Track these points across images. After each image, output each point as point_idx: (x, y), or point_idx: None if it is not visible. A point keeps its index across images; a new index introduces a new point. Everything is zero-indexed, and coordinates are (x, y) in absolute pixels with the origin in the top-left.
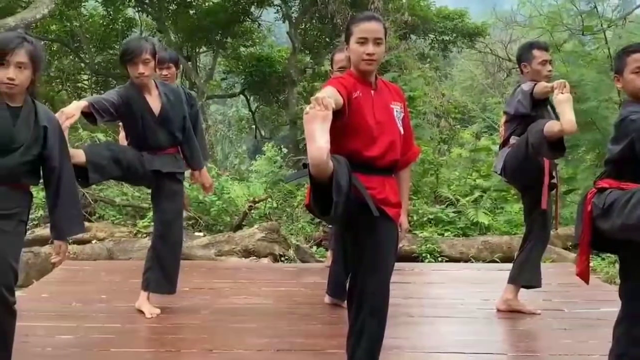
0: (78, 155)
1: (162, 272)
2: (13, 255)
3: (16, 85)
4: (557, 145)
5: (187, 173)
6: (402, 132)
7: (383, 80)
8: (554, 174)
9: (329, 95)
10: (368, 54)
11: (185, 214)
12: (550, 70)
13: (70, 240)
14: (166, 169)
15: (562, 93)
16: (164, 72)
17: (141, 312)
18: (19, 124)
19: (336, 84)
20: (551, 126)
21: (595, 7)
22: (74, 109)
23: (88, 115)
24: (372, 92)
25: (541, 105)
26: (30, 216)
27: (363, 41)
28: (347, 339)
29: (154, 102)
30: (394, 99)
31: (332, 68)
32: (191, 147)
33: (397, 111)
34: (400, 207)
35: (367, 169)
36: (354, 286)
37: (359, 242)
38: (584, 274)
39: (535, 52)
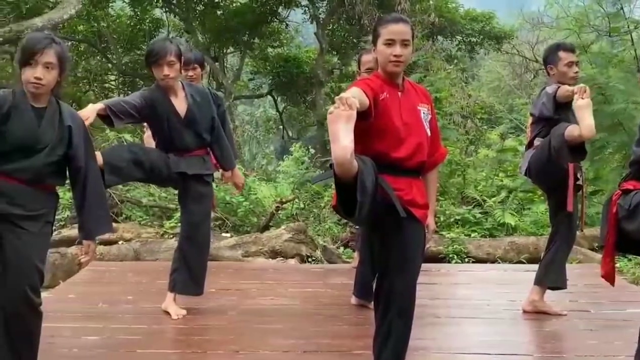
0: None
1: (189, 274)
2: (39, 256)
3: (43, 85)
4: (578, 149)
5: (218, 174)
6: (429, 133)
7: (410, 82)
8: (579, 175)
9: (353, 96)
10: (395, 56)
11: (212, 214)
12: (576, 72)
13: (97, 241)
14: (192, 171)
15: (582, 98)
16: (190, 73)
17: (167, 313)
18: (43, 125)
19: (362, 85)
20: (571, 130)
21: (622, 8)
22: (90, 111)
23: (105, 117)
24: (399, 93)
25: (565, 108)
26: (56, 217)
27: (390, 43)
28: (374, 340)
29: (180, 104)
30: (421, 100)
31: (359, 69)
32: (221, 147)
33: (424, 113)
34: (428, 208)
35: (394, 170)
36: (380, 287)
37: (386, 243)
38: (609, 276)
39: (562, 54)
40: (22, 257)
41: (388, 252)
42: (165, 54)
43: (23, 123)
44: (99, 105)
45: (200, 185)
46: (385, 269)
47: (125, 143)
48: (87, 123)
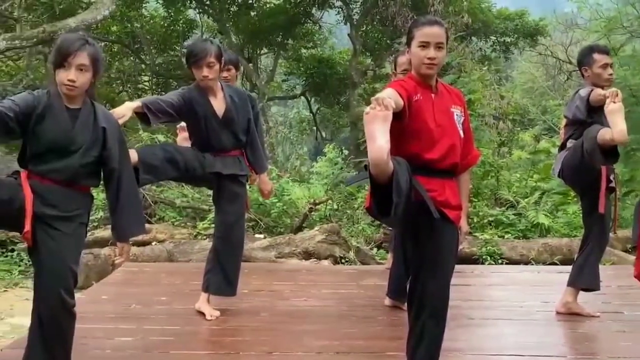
0: (130, 156)
1: (222, 274)
2: (73, 258)
3: (76, 87)
4: (610, 152)
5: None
6: (462, 135)
7: (443, 84)
8: (611, 177)
9: (389, 96)
10: (429, 58)
11: (246, 215)
12: (611, 74)
13: (131, 242)
14: (227, 171)
15: (614, 102)
16: (224, 74)
17: (201, 313)
18: (78, 126)
19: (397, 86)
20: (603, 134)
21: None
22: (125, 109)
23: (141, 115)
24: (433, 95)
25: (598, 111)
26: (90, 218)
27: (425, 45)
28: (407, 341)
29: (219, 104)
30: (455, 102)
31: (394, 70)
32: (254, 149)
33: (457, 115)
34: (461, 209)
35: (428, 171)
36: (414, 288)
37: (420, 244)
38: None
39: (596, 56)
40: (56, 259)
41: (421, 253)
42: (205, 55)
43: (57, 124)
44: (136, 103)
45: (234, 186)
46: (418, 270)
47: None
48: (122, 121)
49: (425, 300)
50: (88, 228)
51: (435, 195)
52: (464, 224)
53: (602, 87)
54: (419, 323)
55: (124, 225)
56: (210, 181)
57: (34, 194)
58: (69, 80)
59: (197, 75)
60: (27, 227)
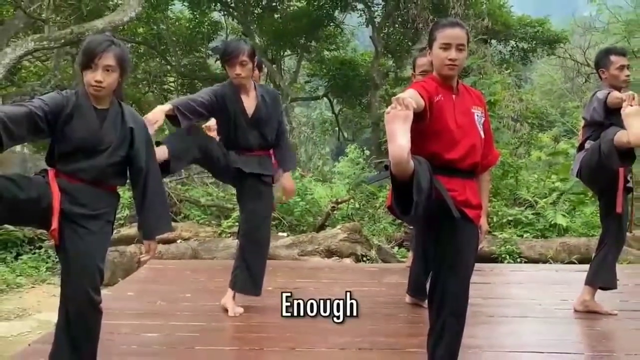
0: (161, 152)
1: (247, 273)
2: (100, 255)
3: (103, 87)
4: (627, 154)
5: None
6: (482, 136)
7: (464, 85)
8: (629, 177)
9: (410, 97)
10: (450, 60)
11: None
12: (628, 75)
13: (157, 240)
14: (249, 169)
15: (630, 105)
16: None
17: (225, 309)
18: (106, 126)
19: (418, 87)
20: (620, 137)
21: None
22: (158, 113)
23: (173, 117)
24: (454, 96)
25: (616, 113)
26: (116, 216)
27: (446, 47)
28: (428, 338)
29: (250, 103)
30: (475, 103)
31: (414, 72)
32: (283, 148)
33: (477, 115)
34: (481, 208)
35: (449, 171)
36: (435, 286)
37: (440, 243)
38: None
39: (613, 58)
40: (84, 257)
41: (442, 252)
42: (238, 54)
43: (85, 124)
44: (167, 107)
45: (258, 185)
46: (439, 268)
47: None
48: (156, 126)
49: (446, 298)
50: (114, 226)
51: (456, 195)
52: (484, 223)
53: (620, 89)
54: (440, 321)
55: (150, 223)
56: (234, 177)
57: (62, 192)
58: (96, 81)
59: (230, 73)
60: (55, 224)
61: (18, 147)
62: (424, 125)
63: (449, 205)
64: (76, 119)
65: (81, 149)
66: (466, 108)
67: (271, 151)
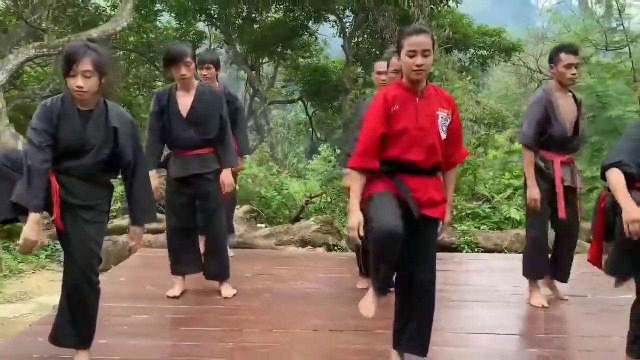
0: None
1: (214, 262)
2: (95, 240)
3: (85, 92)
4: None
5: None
6: (443, 136)
7: (436, 88)
8: (568, 177)
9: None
10: (417, 65)
11: (247, 207)
12: (574, 74)
13: (146, 230)
14: (186, 173)
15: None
16: (204, 72)
17: (213, 294)
18: (89, 127)
19: (377, 115)
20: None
21: (622, 24)
22: (156, 183)
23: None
24: (417, 99)
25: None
26: (110, 206)
27: (412, 54)
28: (394, 322)
29: (186, 103)
30: (442, 105)
31: (386, 70)
32: (224, 146)
33: (442, 117)
34: (445, 202)
35: (412, 170)
36: (402, 277)
37: (409, 239)
38: (595, 259)
39: (562, 55)
40: (82, 241)
41: (410, 247)
42: (183, 56)
43: (70, 127)
44: (154, 178)
45: (203, 183)
46: (407, 262)
47: None
48: (157, 190)
49: (414, 287)
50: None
51: (420, 196)
52: (447, 216)
53: (566, 86)
54: (409, 308)
55: (136, 213)
56: (192, 187)
57: (60, 186)
58: (77, 86)
59: (176, 75)
60: (55, 214)
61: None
62: (386, 134)
63: (411, 207)
64: (62, 123)
65: (68, 150)
66: (430, 111)
67: (215, 148)
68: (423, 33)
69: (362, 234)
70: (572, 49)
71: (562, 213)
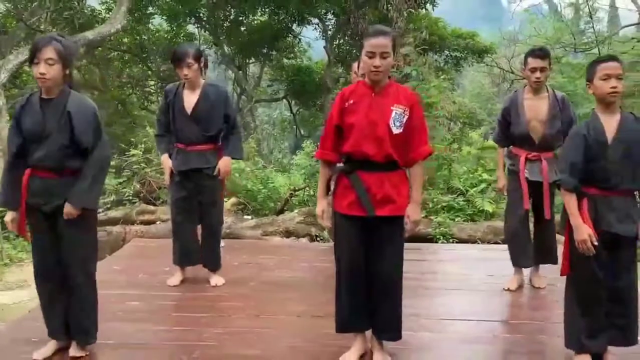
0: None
1: (208, 252)
2: (85, 231)
3: (47, 79)
4: None
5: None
6: (395, 131)
7: (397, 86)
8: (535, 172)
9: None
10: (375, 66)
11: (235, 200)
12: (538, 77)
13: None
14: (186, 167)
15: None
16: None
17: (203, 282)
18: (47, 114)
19: (334, 111)
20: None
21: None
22: (166, 167)
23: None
24: (373, 94)
25: (509, 115)
26: (102, 200)
27: (371, 55)
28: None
29: (192, 100)
30: (399, 102)
31: (357, 70)
32: (229, 139)
33: (397, 113)
34: (406, 198)
35: (369, 166)
36: (367, 270)
37: (368, 236)
38: (567, 272)
39: (529, 59)
40: (70, 233)
41: (371, 242)
42: (184, 57)
43: (31, 115)
44: (165, 157)
45: (202, 178)
46: (368, 255)
47: None
48: (168, 175)
49: (377, 281)
50: (102, 209)
51: (375, 192)
52: (411, 212)
53: (533, 87)
54: (375, 299)
55: (74, 193)
56: (192, 181)
57: (41, 191)
58: (40, 73)
59: (180, 74)
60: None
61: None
62: (341, 128)
63: (365, 206)
64: (25, 112)
65: (31, 138)
66: (384, 105)
67: (216, 145)
68: (383, 35)
69: (328, 223)
70: (538, 53)
71: (526, 205)
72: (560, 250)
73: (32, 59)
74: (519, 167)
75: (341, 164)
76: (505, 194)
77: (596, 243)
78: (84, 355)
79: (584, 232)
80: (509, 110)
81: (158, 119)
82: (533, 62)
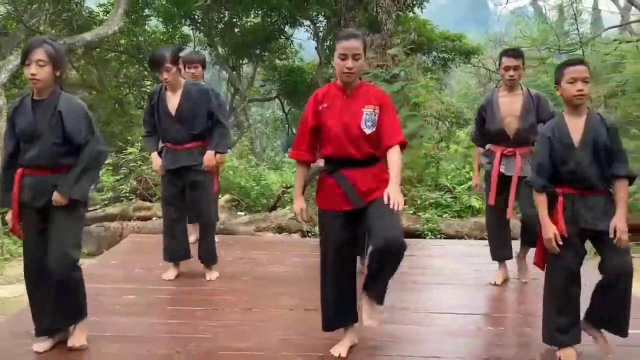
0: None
1: (204, 248)
2: (72, 225)
3: (39, 80)
4: None
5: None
6: (367, 131)
7: (368, 86)
8: (509, 167)
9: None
10: (347, 68)
11: (228, 196)
12: (511, 76)
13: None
14: (175, 166)
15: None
16: (192, 71)
17: (197, 277)
18: (38, 114)
19: (307, 112)
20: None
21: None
22: (156, 164)
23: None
24: (345, 97)
25: (485, 112)
26: (100, 196)
27: (343, 57)
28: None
29: (174, 101)
30: (369, 102)
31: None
32: (213, 133)
33: (367, 114)
34: (385, 183)
35: (351, 163)
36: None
37: (362, 222)
38: (539, 263)
39: (503, 59)
40: (59, 219)
41: (365, 223)
42: (161, 63)
43: (23, 116)
44: (154, 156)
45: (192, 175)
46: (367, 231)
47: None
48: (160, 173)
49: (380, 249)
50: (99, 205)
51: (360, 186)
52: (390, 190)
53: (507, 85)
54: (373, 266)
55: (64, 183)
56: (182, 178)
57: (35, 190)
58: (31, 74)
59: (160, 78)
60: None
61: None
62: (319, 130)
63: (352, 199)
64: (18, 114)
65: (24, 139)
66: (355, 108)
67: (204, 142)
68: (354, 38)
69: (305, 218)
70: (511, 53)
71: (491, 200)
72: None
73: (24, 60)
74: (494, 162)
75: (320, 165)
76: (480, 191)
77: (561, 242)
78: (79, 345)
79: (550, 231)
80: (485, 108)
81: (145, 119)
82: (506, 61)
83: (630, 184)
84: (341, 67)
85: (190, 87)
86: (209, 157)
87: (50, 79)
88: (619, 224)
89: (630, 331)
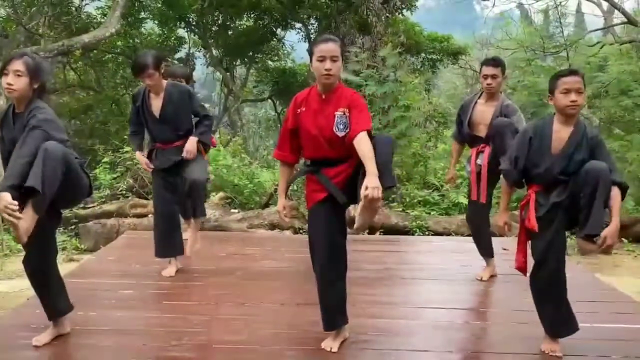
0: None
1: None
2: (46, 229)
3: (14, 90)
4: None
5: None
6: (339, 134)
7: (343, 89)
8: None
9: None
10: (326, 70)
11: (222, 194)
12: (489, 84)
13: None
14: (168, 164)
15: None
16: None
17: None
18: (17, 128)
19: (288, 115)
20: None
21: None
22: (142, 162)
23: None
24: (321, 101)
25: (464, 114)
26: (98, 194)
27: (322, 59)
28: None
29: (157, 103)
30: (341, 105)
31: None
32: (199, 126)
33: (339, 117)
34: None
35: (328, 163)
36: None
37: (337, 214)
38: (522, 270)
39: (483, 67)
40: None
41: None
42: (143, 69)
43: (7, 130)
44: (139, 155)
45: (185, 162)
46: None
47: None
48: (147, 169)
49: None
50: (96, 203)
51: (340, 180)
52: (367, 181)
53: (486, 93)
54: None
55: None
56: (173, 171)
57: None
58: (7, 84)
59: (143, 83)
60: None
61: None
62: (298, 133)
63: (335, 195)
64: (4, 126)
65: (10, 151)
66: (329, 112)
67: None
68: (331, 41)
69: (287, 216)
70: (490, 62)
71: (473, 196)
72: None
73: (2, 71)
74: (471, 161)
75: (305, 165)
76: (453, 184)
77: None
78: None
79: (501, 219)
80: (464, 109)
81: (130, 120)
82: (485, 70)
83: (622, 196)
84: (320, 69)
85: (171, 89)
86: (192, 143)
87: (26, 91)
88: (609, 237)
89: (619, 325)
